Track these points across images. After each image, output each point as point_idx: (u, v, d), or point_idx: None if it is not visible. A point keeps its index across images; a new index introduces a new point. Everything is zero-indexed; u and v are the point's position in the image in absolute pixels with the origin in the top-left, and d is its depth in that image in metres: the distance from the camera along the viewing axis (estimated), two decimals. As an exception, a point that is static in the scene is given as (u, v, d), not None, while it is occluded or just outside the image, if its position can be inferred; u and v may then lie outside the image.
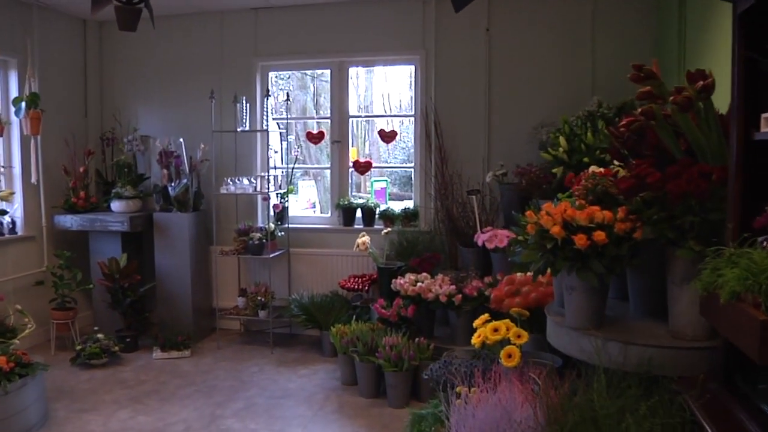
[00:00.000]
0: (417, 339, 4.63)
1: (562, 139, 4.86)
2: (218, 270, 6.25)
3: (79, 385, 5.01)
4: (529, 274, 3.56)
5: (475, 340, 3.48)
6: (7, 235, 5.80)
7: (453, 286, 4.76)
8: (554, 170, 4.87)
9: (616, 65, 5.17)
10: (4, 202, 5.40)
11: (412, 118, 6.10)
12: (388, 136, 6.11)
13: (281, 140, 6.31)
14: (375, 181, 6.51)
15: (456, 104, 5.83)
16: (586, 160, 4.60)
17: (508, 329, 3.39)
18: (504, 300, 4.11)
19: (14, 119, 5.74)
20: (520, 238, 3.23)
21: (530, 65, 5.68)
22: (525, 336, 3.35)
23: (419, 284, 4.91)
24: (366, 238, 5.43)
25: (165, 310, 6.07)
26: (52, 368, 5.20)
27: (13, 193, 5.33)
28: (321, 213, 6.98)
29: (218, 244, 6.12)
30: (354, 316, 5.35)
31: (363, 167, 6.15)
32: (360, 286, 5.64)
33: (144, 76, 6.66)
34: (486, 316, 3.61)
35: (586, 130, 4.83)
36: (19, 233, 5.92)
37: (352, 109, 6.35)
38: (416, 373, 4.52)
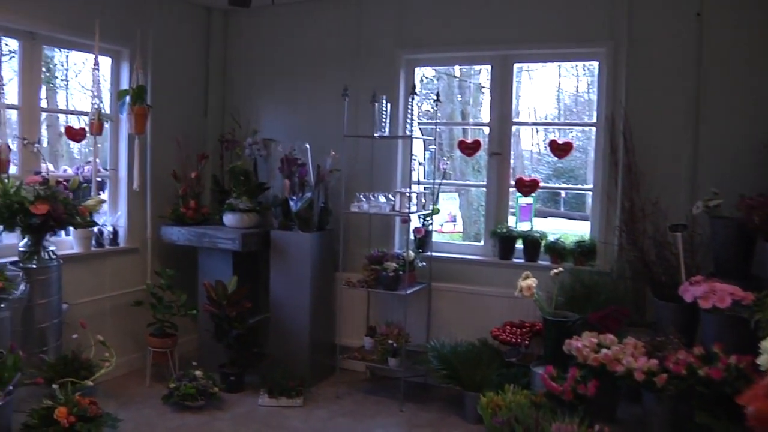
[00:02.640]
0: (597, 427, 3.56)
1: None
2: (343, 301, 5.42)
3: (165, 433, 4.38)
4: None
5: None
6: (107, 247, 5.27)
7: (654, 361, 3.68)
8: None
9: None
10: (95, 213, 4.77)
11: (592, 129, 5.03)
12: (561, 149, 5.05)
13: (425, 150, 5.39)
14: (519, 196, 5.46)
15: (653, 111, 4.69)
16: None
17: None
18: None
19: (124, 116, 5.20)
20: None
21: (757, 62, 4.46)
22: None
23: (604, 351, 3.86)
24: (532, 281, 4.40)
25: (278, 345, 5.33)
26: (142, 405, 4.73)
27: (102, 202, 4.71)
28: (462, 229, 6.04)
29: (345, 271, 5.29)
30: (508, 378, 4.36)
31: (528, 187, 5.11)
32: (518, 339, 4.62)
33: (268, 71, 6.01)
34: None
35: None
36: (121, 245, 5.38)
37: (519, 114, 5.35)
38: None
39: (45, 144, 5.13)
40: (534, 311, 4.73)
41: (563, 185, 6.71)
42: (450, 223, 6.87)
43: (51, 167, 4.77)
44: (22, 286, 3.81)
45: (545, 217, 6.43)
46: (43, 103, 5.00)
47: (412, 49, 5.42)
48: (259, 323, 5.33)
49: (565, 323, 4.31)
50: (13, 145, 4.57)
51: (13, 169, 4.69)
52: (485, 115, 5.45)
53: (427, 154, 5.38)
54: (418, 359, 4.96)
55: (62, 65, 5.73)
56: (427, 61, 5.65)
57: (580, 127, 5.92)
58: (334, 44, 5.69)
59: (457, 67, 6.60)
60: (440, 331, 5.18)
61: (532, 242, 5.04)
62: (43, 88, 5.00)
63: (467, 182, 7.11)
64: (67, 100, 5.86)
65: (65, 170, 5.22)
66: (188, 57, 5.96)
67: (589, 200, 5.12)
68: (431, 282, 5.24)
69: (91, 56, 4.84)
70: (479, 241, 5.48)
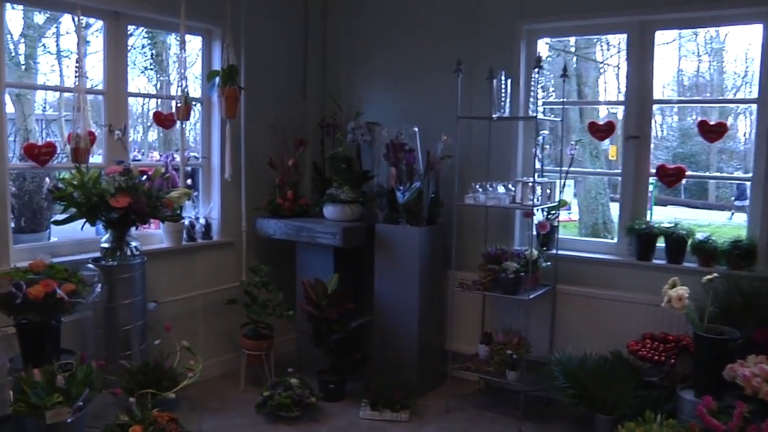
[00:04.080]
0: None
1: None
2: (455, 304, 4.93)
3: (257, 446, 4.10)
4: None
5: None
6: (199, 241, 4.99)
7: None
8: None
9: None
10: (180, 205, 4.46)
11: (749, 106, 4.32)
12: (713, 132, 4.36)
13: (536, 134, 4.79)
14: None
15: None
16: None
17: None
18: None
19: (215, 99, 4.90)
20: None
21: None
22: None
23: (780, 382, 3.22)
24: (683, 290, 3.76)
25: (382, 351, 4.94)
26: (234, 412, 4.48)
27: (189, 194, 4.38)
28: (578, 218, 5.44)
29: (458, 270, 4.78)
30: (648, 402, 3.77)
31: (672, 176, 4.45)
32: (661, 356, 4.00)
33: (371, 47, 5.58)
34: None
35: None
36: (214, 239, 5.10)
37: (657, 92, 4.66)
38: None
39: (140, 132, 4.91)
40: (679, 322, 4.11)
41: (716, 174, 5.96)
42: (563, 212, 6.21)
43: (139, 156, 4.51)
44: (97, 288, 3.53)
45: (665, 206, 5.90)
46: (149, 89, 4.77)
47: (534, 19, 4.83)
48: (362, 326, 4.93)
49: (723, 342, 3.66)
50: (100, 133, 4.34)
51: (98, 159, 4.47)
52: (605, 94, 4.80)
53: (540, 138, 4.78)
54: (540, 372, 4.42)
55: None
56: (552, 31, 5.03)
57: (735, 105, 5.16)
58: (446, 15, 5.17)
59: (572, 40, 5.96)
60: (565, 341, 4.61)
61: (677, 241, 4.39)
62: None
63: (600, 171, 6.45)
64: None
65: (156, 159, 4.97)
66: (284, 34, 5.58)
67: (748, 192, 4.41)
68: (556, 285, 4.68)
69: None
70: (598, 233, 4.85)
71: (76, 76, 4.04)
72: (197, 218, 5.03)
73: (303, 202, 5.30)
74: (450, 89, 4.61)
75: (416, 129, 4.80)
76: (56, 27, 8.06)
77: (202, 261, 5.03)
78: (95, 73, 4.41)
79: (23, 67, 8.47)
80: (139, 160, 5.66)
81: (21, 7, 7.44)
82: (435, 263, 4.92)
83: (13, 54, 8.62)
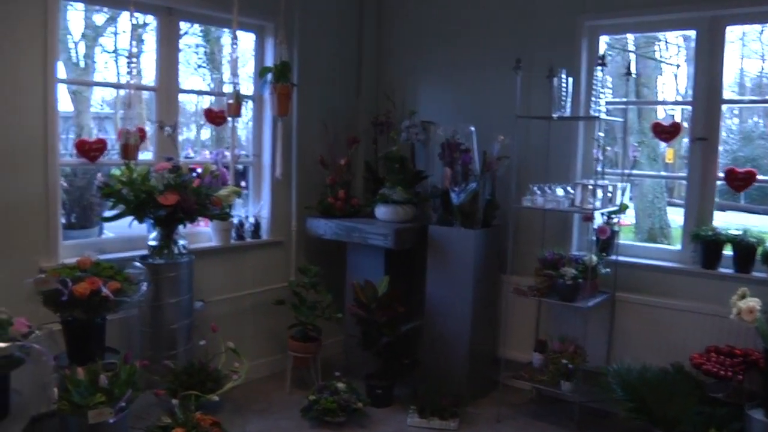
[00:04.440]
0: None
1: None
2: (509, 309, 4.78)
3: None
4: None
5: None
6: (248, 240, 4.95)
7: None
8: None
9: None
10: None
11: None
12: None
13: (598, 135, 4.60)
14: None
15: None
16: None
17: None
18: None
19: (267, 96, 4.82)
20: None
21: None
22: None
23: None
24: (754, 303, 3.53)
25: (431, 356, 4.81)
26: (279, 415, 4.42)
27: (238, 192, 4.31)
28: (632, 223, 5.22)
29: (513, 275, 4.64)
30: (713, 420, 3.57)
31: (741, 181, 4.21)
32: (727, 372, 3.78)
33: (427, 43, 5.45)
34: None
35: None
36: (264, 238, 5.05)
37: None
38: None
39: (194, 130, 4.88)
40: (746, 336, 3.89)
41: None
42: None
43: (192, 153, 4.47)
44: (143, 287, 3.48)
45: (723, 211, 5.63)
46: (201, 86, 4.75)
47: (596, 14, 4.64)
48: (412, 330, 4.81)
49: (798, 357, 3.44)
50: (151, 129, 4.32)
51: (148, 156, 4.45)
52: (663, 94, 4.57)
53: (601, 139, 4.59)
54: (596, 383, 4.23)
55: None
56: (614, 28, 4.81)
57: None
58: (504, 10, 5.03)
59: (630, 38, 5.74)
60: (624, 351, 4.42)
61: (746, 249, 4.15)
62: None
63: (663, 174, 6.19)
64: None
65: (207, 157, 4.94)
66: (338, 29, 5.50)
67: None
68: (615, 292, 4.48)
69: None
70: (654, 238, 4.63)
71: (127, 73, 4.02)
72: (246, 217, 4.98)
73: (354, 202, 5.21)
74: (508, 87, 4.48)
75: (472, 128, 4.66)
76: (114, 26, 8.16)
77: (251, 260, 4.97)
78: (148, 71, 4.39)
79: (82, 65, 8.60)
80: (192, 158, 5.65)
81: (82, 7, 7.58)
82: (489, 267, 4.76)
83: (73, 53, 8.78)
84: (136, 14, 4.04)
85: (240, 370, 4.08)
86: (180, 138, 4.36)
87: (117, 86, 4.98)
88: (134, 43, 4.05)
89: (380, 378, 4.66)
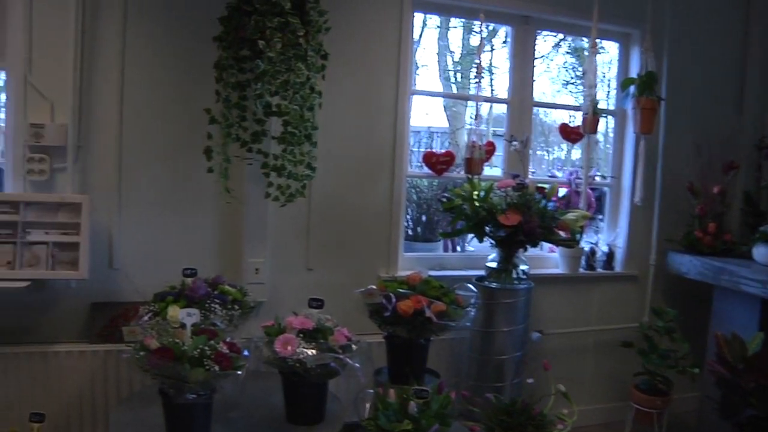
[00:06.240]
0: None
1: None
2: None
3: None
4: None
5: None
6: (599, 270, 4.53)
7: None
8: None
9: None
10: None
11: None
12: None
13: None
14: None
15: None
16: None
17: None
18: None
19: (629, 111, 4.38)
20: None
21: None
22: None
23: None
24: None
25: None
26: None
27: (589, 218, 3.86)
28: None
29: None
30: None
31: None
32: None
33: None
34: None
35: None
36: (617, 270, 4.60)
37: None
38: None
39: (564, 149, 4.63)
40: None
41: None
42: None
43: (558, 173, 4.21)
44: (471, 312, 3.24)
45: None
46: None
47: None
48: None
49: None
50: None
51: (497, 171, 4.26)
52: None
53: None
54: None
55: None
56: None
57: None
58: None
59: None
60: None
61: None
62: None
63: None
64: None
65: (558, 176, 4.62)
66: (717, 36, 4.76)
67: None
68: None
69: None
70: None
71: (475, 84, 3.87)
72: (598, 244, 4.53)
73: (727, 238, 4.44)
74: None
75: None
76: (490, 44, 8.32)
77: (599, 294, 4.52)
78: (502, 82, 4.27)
79: (458, 82, 8.94)
80: (555, 177, 5.36)
81: (461, 25, 7.78)
82: None
83: (452, 73, 9.15)
84: (490, 24, 3.90)
85: (568, 418, 3.64)
86: (546, 156, 4.10)
87: (466, 98, 4.89)
88: (481, 52, 3.90)
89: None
